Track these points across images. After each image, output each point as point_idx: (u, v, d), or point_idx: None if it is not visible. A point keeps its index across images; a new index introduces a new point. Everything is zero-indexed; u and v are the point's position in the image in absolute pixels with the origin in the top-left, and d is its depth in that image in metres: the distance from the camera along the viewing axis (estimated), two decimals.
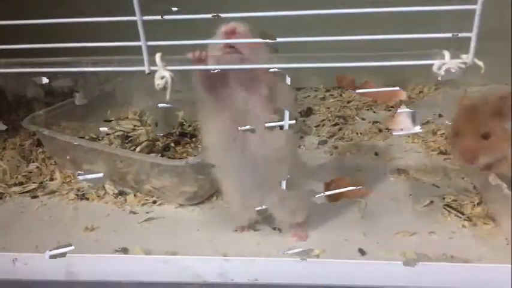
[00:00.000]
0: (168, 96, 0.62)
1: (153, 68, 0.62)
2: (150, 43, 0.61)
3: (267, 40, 0.62)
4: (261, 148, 0.79)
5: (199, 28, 0.71)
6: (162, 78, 0.62)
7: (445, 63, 0.58)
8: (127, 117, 1.42)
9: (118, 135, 1.30)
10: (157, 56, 0.62)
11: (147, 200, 1.07)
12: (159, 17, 0.59)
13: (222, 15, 0.61)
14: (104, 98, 1.47)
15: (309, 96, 1.64)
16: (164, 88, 0.62)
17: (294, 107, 0.85)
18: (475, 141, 0.84)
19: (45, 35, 0.67)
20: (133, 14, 0.60)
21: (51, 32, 0.69)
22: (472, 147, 0.84)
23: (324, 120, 1.45)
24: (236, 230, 0.94)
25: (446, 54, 0.58)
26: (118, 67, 0.64)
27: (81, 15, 0.65)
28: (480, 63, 0.57)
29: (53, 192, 1.13)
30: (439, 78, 0.58)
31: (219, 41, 0.68)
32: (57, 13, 0.63)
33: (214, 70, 0.67)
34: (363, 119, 1.46)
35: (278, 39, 0.68)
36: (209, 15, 0.60)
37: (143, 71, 0.63)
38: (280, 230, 0.94)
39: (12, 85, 1.33)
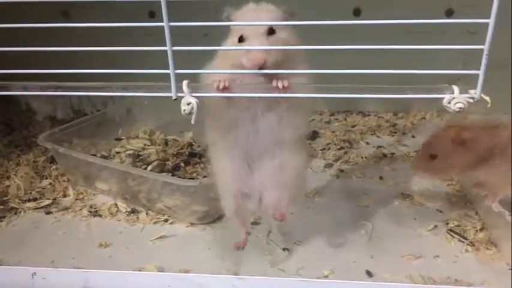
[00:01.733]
0: (193, 121, 0.66)
1: (179, 94, 0.66)
2: (179, 71, 0.65)
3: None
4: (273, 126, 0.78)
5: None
6: (188, 104, 0.65)
7: (454, 98, 0.62)
8: (137, 136, 1.46)
9: (129, 154, 1.34)
10: (184, 83, 0.66)
11: (158, 218, 1.10)
12: (189, 48, 0.63)
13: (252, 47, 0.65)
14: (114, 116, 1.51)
15: (314, 119, 1.68)
16: (190, 113, 0.66)
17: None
18: (426, 158, 0.95)
19: (71, 60, 0.72)
20: (154, 36, 0.63)
21: (78, 58, 0.73)
22: (422, 162, 0.96)
23: (329, 143, 1.48)
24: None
25: (456, 89, 0.62)
26: (146, 92, 0.68)
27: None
28: (487, 99, 0.61)
29: (66, 208, 1.15)
30: (450, 111, 0.62)
31: (246, 71, 0.71)
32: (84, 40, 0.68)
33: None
34: (368, 143, 1.49)
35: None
36: (240, 48, 0.64)
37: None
38: (288, 249, 0.97)
39: (44, 107, 1.38)
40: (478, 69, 0.60)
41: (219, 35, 0.78)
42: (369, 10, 1.51)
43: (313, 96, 0.69)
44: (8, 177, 1.28)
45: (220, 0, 0.73)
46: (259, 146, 0.79)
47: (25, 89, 0.70)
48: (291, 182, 0.83)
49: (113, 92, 0.69)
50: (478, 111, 0.68)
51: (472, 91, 0.62)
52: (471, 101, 0.62)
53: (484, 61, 0.59)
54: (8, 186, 1.24)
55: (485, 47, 0.58)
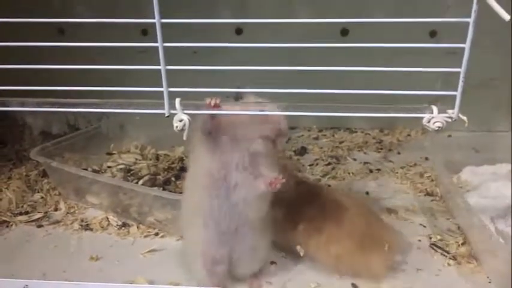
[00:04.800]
0: (185, 137, 0.69)
1: (172, 111, 0.69)
2: (172, 89, 0.68)
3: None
4: (246, 193, 0.82)
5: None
6: (181, 121, 0.68)
7: (433, 117, 0.66)
8: (129, 151, 1.48)
9: (120, 168, 1.36)
10: (177, 100, 0.68)
11: (149, 232, 1.12)
12: (182, 67, 0.66)
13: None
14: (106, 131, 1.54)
15: (302, 135, 1.71)
16: (182, 130, 0.69)
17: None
18: None
19: (67, 77, 0.75)
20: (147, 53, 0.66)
21: (73, 74, 0.75)
22: None
23: (317, 159, 1.51)
24: None
25: (435, 109, 0.66)
26: (140, 109, 0.71)
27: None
28: (464, 118, 0.65)
29: (57, 222, 1.17)
30: (429, 129, 0.65)
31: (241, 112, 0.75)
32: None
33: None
34: (354, 159, 1.52)
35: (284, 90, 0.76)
36: (233, 68, 0.67)
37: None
38: (276, 263, 0.98)
39: (40, 122, 1.40)
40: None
41: (209, 53, 0.81)
42: (356, 30, 1.55)
43: (303, 115, 0.72)
44: (0, 191, 1.29)
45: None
46: (233, 221, 0.84)
47: (22, 104, 0.72)
48: (263, 255, 0.92)
49: (107, 108, 0.72)
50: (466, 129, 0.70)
51: (450, 111, 0.65)
52: (449, 120, 0.65)
53: (460, 83, 0.63)
54: (0, 199, 1.25)
55: (462, 70, 0.62)
